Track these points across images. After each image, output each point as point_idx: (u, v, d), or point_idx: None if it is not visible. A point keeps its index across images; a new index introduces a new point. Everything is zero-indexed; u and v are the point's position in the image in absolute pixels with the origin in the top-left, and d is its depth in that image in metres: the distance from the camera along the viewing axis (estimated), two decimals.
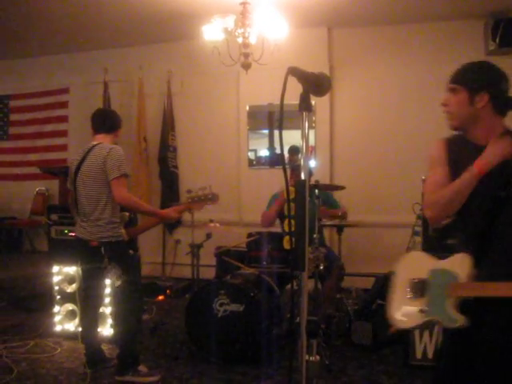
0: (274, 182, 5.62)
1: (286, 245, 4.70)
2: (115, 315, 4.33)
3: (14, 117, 8.87)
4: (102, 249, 3.93)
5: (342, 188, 5.33)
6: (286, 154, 6.50)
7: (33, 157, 8.67)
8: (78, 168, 4.05)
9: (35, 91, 8.62)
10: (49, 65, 8.43)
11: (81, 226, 4.06)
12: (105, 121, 4.22)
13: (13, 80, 8.75)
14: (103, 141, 4.10)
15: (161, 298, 6.48)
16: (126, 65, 7.85)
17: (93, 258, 4.00)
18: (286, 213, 5.20)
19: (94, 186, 3.96)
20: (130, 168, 7.42)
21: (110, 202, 3.96)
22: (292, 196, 1.80)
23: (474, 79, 2.45)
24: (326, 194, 5.51)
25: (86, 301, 4.30)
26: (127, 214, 4.27)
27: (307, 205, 1.77)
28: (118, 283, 4.01)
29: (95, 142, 4.10)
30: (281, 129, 1.84)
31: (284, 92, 1.73)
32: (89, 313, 4.28)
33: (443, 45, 6.68)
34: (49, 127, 8.62)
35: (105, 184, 3.93)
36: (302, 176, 1.80)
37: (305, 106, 1.79)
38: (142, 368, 4.11)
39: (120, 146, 4.06)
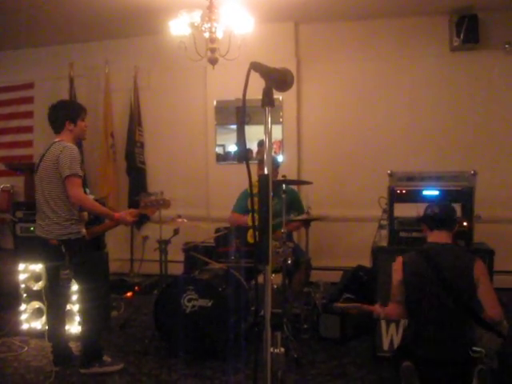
0: (242, 177, 5.61)
1: (250, 239, 4.73)
2: (81, 312, 4.31)
3: None
4: (62, 247, 3.90)
5: (309, 183, 5.37)
6: (256, 148, 6.53)
7: None
8: (38, 166, 4.03)
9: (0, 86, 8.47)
10: (13, 59, 8.26)
11: (39, 225, 4.03)
12: (52, 121, 4.15)
13: None
14: (63, 137, 4.05)
15: (129, 294, 6.44)
16: (92, 59, 7.75)
17: (54, 256, 3.98)
18: (250, 207, 5.24)
19: (49, 184, 3.94)
20: (97, 164, 7.41)
21: (64, 199, 3.93)
22: (256, 190, 1.81)
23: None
24: (293, 195, 5.54)
25: (52, 299, 4.27)
26: (86, 213, 4.24)
27: (270, 199, 1.79)
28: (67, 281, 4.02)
29: (56, 139, 4.06)
30: (243, 124, 1.85)
31: (246, 87, 1.74)
32: (55, 311, 4.25)
33: (408, 40, 6.76)
34: (13, 123, 8.45)
35: (58, 182, 3.90)
36: (266, 171, 1.82)
37: (267, 101, 1.81)
38: (106, 358, 4.16)
39: (74, 145, 4.02)
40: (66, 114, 4.12)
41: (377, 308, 3.55)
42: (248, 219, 5.30)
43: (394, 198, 4.22)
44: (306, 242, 5.25)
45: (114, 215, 4.21)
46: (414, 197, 4.20)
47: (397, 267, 3.37)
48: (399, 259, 3.39)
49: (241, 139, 7.37)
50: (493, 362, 3.02)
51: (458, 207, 4.07)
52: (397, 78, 6.83)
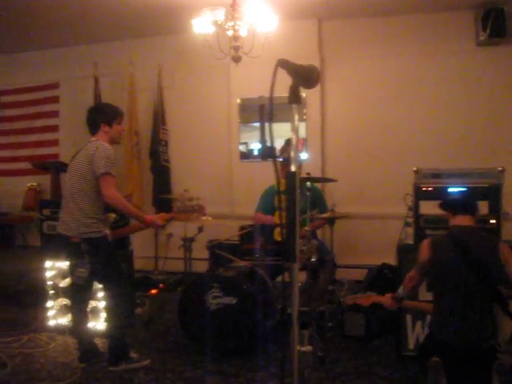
0: (266, 174, 5.60)
1: (277, 237, 4.72)
2: (106, 310, 4.34)
3: (4, 112, 8.82)
4: (83, 245, 3.93)
5: (334, 181, 5.34)
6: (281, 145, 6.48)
7: (24, 152, 8.63)
8: (70, 162, 4.08)
9: (25, 86, 8.58)
10: (39, 60, 8.39)
11: (63, 222, 4.05)
12: (89, 123, 4.19)
13: (3, 75, 8.69)
14: (98, 138, 4.09)
15: (154, 291, 6.46)
16: (116, 59, 7.81)
17: (75, 254, 4.01)
18: (276, 205, 5.22)
19: (79, 180, 3.95)
20: (122, 162, 7.46)
21: (92, 196, 3.95)
22: (283, 188, 1.81)
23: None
24: (317, 193, 5.51)
25: (75, 296, 4.31)
26: (113, 215, 4.25)
27: (297, 197, 1.78)
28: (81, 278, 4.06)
29: (92, 139, 4.09)
30: (271, 121, 1.84)
31: (273, 85, 1.74)
32: (78, 308, 4.29)
33: (434, 36, 6.69)
34: (39, 122, 8.58)
35: (88, 178, 3.92)
36: (292, 168, 1.81)
37: (294, 98, 1.80)
38: (133, 355, 4.21)
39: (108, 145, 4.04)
40: (102, 116, 4.16)
41: (388, 298, 3.58)
42: (275, 218, 5.28)
43: (419, 195, 4.18)
44: (330, 240, 5.23)
45: (145, 218, 4.21)
46: (440, 194, 4.12)
47: (423, 248, 3.38)
48: (426, 241, 3.40)
49: (265, 137, 7.36)
50: (510, 357, 3.01)
51: (485, 204, 4.03)
52: (421, 74, 6.77)
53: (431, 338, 3.32)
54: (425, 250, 3.35)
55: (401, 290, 3.52)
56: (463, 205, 3.43)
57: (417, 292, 3.79)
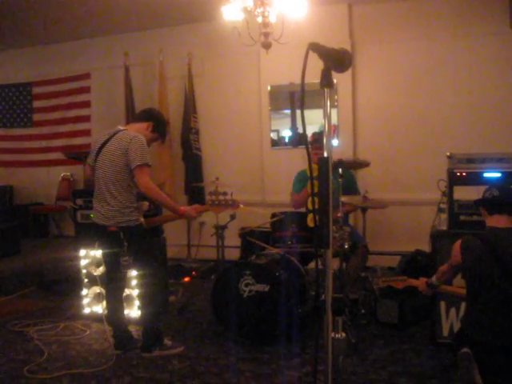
0: (297, 161, 5.60)
1: (310, 223, 4.69)
2: (140, 297, 4.38)
3: (37, 103, 8.95)
4: (121, 234, 3.97)
5: (366, 165, 5.28)
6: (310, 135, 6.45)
7: (57, 143, 8.76)
8: (100, 150, 4.06)
9: (57, 77, 8.68)
10: (69, 51, 8.49)
11: (98, 212, 4.06)
12: (143, 114, 4.27)
13: (34, 67, 8.82)
14: (130, 128, 4.11)
15: (187, 279, 6.52)
16: (147, 48, 7.86)
17: (113, 243, 4.05)
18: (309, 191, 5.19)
19: (113, 170, 3.96)
20: (154, 151, 7.49)
21: (126, 186, 3.98)
22: (315, 174, 1.79)
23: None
24: (349, 176, 5.46)
25: (110, 284, 4.36)
26: (147, 203, 4.28)
27: (330, 182, 1.76)
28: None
29: (122, 128, 4.11)
30: (302, 107, 1.81)
31: (305, 68, 1.71)
32: (113, 296, 4.34)
33: (466, 19, 6.56)
34: (72, 113, 8.69)
35: (123, 169, 3.93)
36: (325, 154, 1.79)
37: (326, 82, 1.77)
38: (167, 342, 4.25)
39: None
40: (156, 121, 4.24)
41: (422, 282, 3.55)
42: (301, 196, 5.25)
43: (453, 180, 4.10)
44: (363, 227, 5.19)
45: (179, 209, 4.23)
46: (474, 179, 4.05)
47: (455, 251, 3.25)
48: (457, 244, 3.25)
49: (296, 124, 7.33)
50: None
51: None
52: (454, 57, 6.64)
53: (463, 335, 3.23)
54: (457, 253, 3.22)
55: (434, 280, 3.46)
56: (499, 203, 3.19)
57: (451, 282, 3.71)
